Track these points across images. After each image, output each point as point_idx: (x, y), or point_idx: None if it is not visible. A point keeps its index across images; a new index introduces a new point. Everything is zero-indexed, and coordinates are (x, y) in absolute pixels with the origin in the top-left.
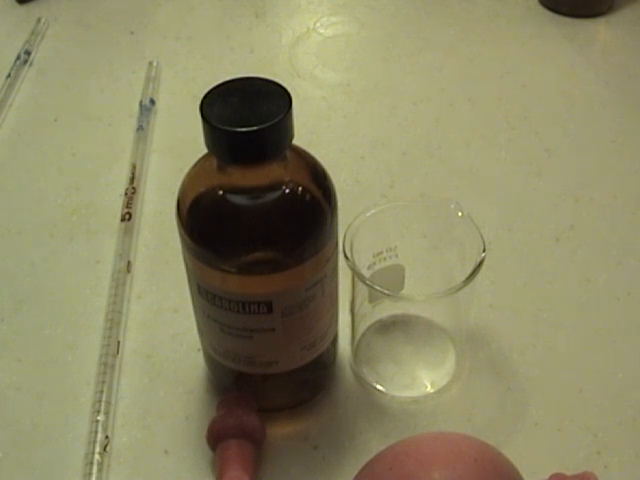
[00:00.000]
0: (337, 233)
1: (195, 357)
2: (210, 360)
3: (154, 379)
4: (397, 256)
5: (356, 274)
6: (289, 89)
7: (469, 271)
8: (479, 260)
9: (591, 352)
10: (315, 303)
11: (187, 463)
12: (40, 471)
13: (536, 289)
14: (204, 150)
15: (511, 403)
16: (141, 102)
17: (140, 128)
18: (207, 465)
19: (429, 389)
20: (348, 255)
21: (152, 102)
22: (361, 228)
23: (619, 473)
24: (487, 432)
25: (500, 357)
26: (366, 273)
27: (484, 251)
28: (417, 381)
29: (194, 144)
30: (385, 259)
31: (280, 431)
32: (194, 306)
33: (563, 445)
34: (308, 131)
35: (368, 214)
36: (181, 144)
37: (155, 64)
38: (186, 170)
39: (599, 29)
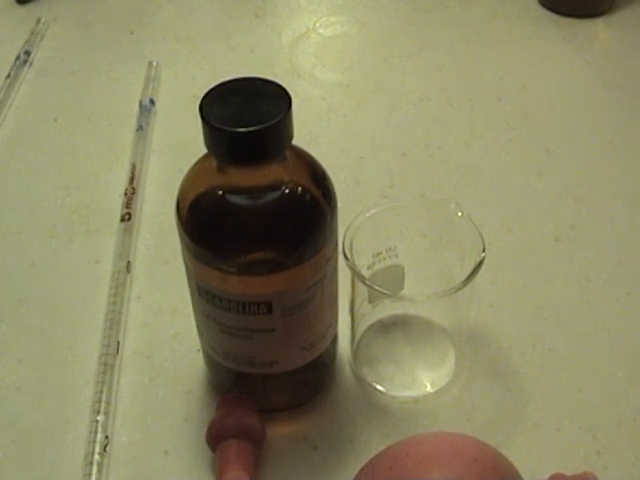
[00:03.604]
0: (337, 233)
1: (195, 357)
2: (210, 360)
3: (154, 379)
4: (397, 256)
5: (356, 274)
6: (289, 89)
7: (469, 271)
8: (479, 260)
9: (591, 352)
10: (315, 303)
11: (187, 463)
12: (40, 471)
13: (536, 289)
14: (204, 150)
15: (511, 403)
16: (141, 102)
17: (140, 128)
18: (207, 465)
19: (429, 389)
20: (348, 255)
21: (152, 102)
22: (361, 228)
23: (619, 473)
24: (487, 432)
25: (500, 357)
26: (366, 273)
27: (484, 251)
28: (417, 381)
29: (194, 144)
30: (385, 259)
31: (280, 431)
32: (194, 306)
33: (563, 445)
34: (308, 131)
35: (368, 214)
36: (181, 144)
37: (155, 64)
38: (186, 170)
39: (599, 29)
